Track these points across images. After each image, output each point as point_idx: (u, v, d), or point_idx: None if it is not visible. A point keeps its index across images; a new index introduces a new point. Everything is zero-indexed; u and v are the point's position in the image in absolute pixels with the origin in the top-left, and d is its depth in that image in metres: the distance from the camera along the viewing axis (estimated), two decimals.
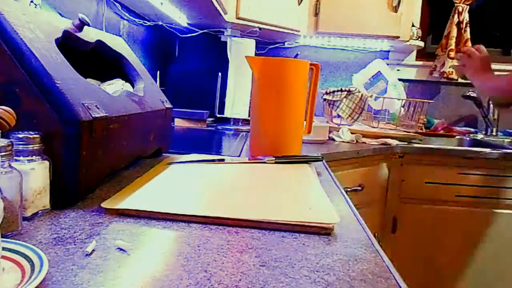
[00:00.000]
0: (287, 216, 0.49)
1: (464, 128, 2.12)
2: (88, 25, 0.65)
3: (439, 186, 1.57)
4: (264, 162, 0.83)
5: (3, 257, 0.33)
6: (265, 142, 0.92)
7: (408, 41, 1.93)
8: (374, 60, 1.88)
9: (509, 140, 1.96)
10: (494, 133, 2.06)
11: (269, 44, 2.25)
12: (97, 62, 0.75)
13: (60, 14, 1.03)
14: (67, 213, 0.48)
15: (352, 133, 1.50)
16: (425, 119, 1.92)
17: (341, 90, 1.64)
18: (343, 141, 1.47)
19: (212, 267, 0.37)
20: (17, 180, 0.40)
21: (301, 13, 1.91)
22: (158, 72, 1.79)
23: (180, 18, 1.69)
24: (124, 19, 1.49)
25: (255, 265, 0.38)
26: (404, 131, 1.66)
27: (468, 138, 1.98)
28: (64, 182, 0.49)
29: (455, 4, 2.08)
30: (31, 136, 0.44)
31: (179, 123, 1.54)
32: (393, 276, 0.38)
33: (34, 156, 0.45)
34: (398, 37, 1.87)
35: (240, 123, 1.71)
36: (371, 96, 1.70)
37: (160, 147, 0.85)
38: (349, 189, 1.33)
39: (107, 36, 0.76)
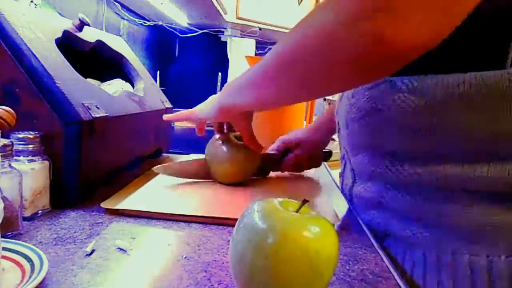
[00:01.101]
0: None
1: None
2: (88, 25, 0.65)
3: None
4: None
5: (3, 257, 0.33)
6: (265, 142, 0.92)
7: None
8: None
9: None
10: None
11: (269, 44, 2.25)
12: (97, 62, 0.75)
13: (60, 14, 1.03)
14: (67, 213, 0.48)
15: None
16: None
17: None
18: None
19: (212, 267, 0.37)
20: (17, 180, 0.40)
21: (301, 13, 1.91)
22: (158, 72, 1.79)
23: (180, 18, 1.69)
24: (124, 19, 1.49)
25: None
26: None
27: None
28: (64, 182, 0.49)
29: None
30: (31, 136, 0.44)
31: (179, 123, 1.54)
32: (393, 276, 0.38)
33: (34, 156, 0.45)
34: None
35: None
36: None
37: (160, 147, 0.85)
38: None
39: (107, 36, 0.76)
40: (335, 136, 1.48)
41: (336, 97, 1.59)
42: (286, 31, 1.90)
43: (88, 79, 0.59)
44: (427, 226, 0.42)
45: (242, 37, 1.86)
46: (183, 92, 1.73)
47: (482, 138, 0.37)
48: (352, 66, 0.33)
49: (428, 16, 0.29)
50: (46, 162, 0.46)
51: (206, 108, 0.57)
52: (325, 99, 1.77)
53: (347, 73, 0.34)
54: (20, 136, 0.44)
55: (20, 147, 0.44)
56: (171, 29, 1.85)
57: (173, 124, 1.50)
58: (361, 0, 0.30)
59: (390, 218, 0.46)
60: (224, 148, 0.62)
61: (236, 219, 0.32)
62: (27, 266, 0.32)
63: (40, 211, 0.46)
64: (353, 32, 0.30)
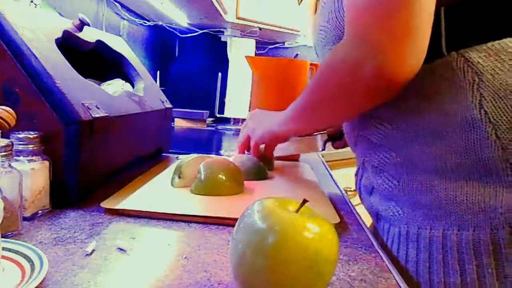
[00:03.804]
0: None
1: None
2: (88, 25, 0.65)
3: None
4: None
5: (3, 257, 0.33)
6: None
7: None
8: None
9: None
10: None
11: (269, 44, 2.25)
12: (97, 62, 0.75)
13: (60, 14, 1.03)
14: (67, 213, 0.48)
15: None
16: None
17: None
18: None
19: (212, 267, 0.37)
20: (17, 180, 0.40)
21: (301, 13, 1.91)
22: (158, 72, 1.79)
23: (180, 18, 1.69)
24: (124, 19, 1.49)
25: None
26: None
27: None
28: (64, 182, 0.49)
29: None
30: (31, 136, 0.44)
31: (179, 123, 1.54)
32: (393, 276, 0.38)
33: (34, 156, 0.45)
34: None
35: (240, 123, 1.71)
36: None
37: (160, 147, 0.85)
38: (349, 189, 1.33)
39: (107, 36, 0.76)
40: None
41: None
42: (286, 31, 1.90)
43: (88, 79, 0.59)
44: (401, 206, 0.47)
45: (242, 37, 1.86)
46: (183, 92, 1.73)
47: (432, 120, 0.43)
48: (366, 97, 0.45)
49: (411, 52, 0.40)
50: (46, 162, 0.46)
51: (258, 132, 0.70)
52: None
53: (364, 102, 0.46)
54: (20, 136, 0.44)
55: (20, 147, 0.44)
56: (171, 29, 1.85)
57: (173, 124, 1.50)
58: (359, 52, 0.42)
59: (378, 201, 0.52)
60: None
61: (236, 219, 0.32)
62: (27, 266, 0.32)
63: (40, 211, 0.46)
64: (363, 77, 0.42)
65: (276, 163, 0.84)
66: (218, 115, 1.74)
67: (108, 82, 0.75)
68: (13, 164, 0.41)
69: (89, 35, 0.68)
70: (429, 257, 0.43)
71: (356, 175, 0.64)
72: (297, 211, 0.31)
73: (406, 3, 0.38)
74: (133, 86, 0.78)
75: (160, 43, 1.91)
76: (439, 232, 0.43)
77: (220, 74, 1.72)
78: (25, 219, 0.44)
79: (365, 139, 0.52)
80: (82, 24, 0.64)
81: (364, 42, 0.41)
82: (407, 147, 0.46)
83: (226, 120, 1.75)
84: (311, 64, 0.97)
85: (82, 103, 0.51)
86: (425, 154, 0.44)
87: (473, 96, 0.40)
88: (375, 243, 0.46)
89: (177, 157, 0.85)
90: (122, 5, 1.45)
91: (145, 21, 1.69)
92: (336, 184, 0.77)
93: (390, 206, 0.49)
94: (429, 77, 0.44)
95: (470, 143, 0.41)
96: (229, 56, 1.77)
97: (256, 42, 1.88)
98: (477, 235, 0.40)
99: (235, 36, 1.82)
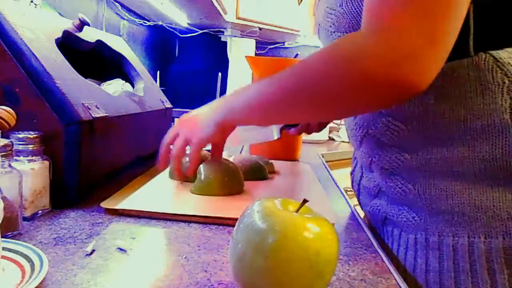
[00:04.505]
0: None
1: None
2: (88, 25, 0.65)
3: None
4: None
5: (3, 257, 0.33)
6: (265, 142, 0.92)
7: None
8: None
9: None
10: None
11: (269, 44, 2.25)
12: (97, 62, 0.75)
13: (60, 14, 1.03)
14: (67, 213, 0.48)
15: None
16: None
17: None
18: (343, 141, 1.47)
19: (212, 267, 0.37)
20: (17, 180, 0.40)
21: (301, 13, 1.91)
22: (158, 72, 1.79)
23: (180, 18, 1.68)
24: (124, 19, 1.49)
25: None
26: None
27: None
28: (64, 182, 0.49)
29: None
30: (31, 136, 0.44)
31: None
32: (393, 276, 0.38)
33: (34, 156, 0.45)
34: None
35: None
36: None
37: None
38: (349, 189, 1.33)
39: (107, 36, 0.76)
40: (335, 136, 1.49)
41: None
42: (286, 31, 1.90)
43: (88, 79, 0.59)
44: (417, 211, 0.44)
45: (242, 37, 1.86)
46: (183, 92, 1.73)
47: (453, 122, 0.40)
48: (372, 102, 0.39)
49: (438, 59, 0.35)
50: (46, 162, 0.46)
51: (203, 129, 0.54)
52: None
53: (363, 106, 0.41)
54: (20, 136, 0.44)
55: (20, 147, 0.44)
56: (171, 29, 1.84)
57: (173, 124, 1.50)
58: (390, 48, 0.35)
59: (388, 205, 0.49)
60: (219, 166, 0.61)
61: (236, 219, 0.32)
62: (27, 266, 0.32)
63: (40, 211, 0.46)
64: (383, 78, 0.35)
65: (276, 163, 0.84)
66: None
67: (108, 82, 0.75)
68: (13, 164, 0.41)
69: (89, 35, 0.68)
70: (454, 267, 0.41)
71: (352, 174, 0.61)
72: (297, 211, 0.31)
73: (449, 5, 0.34)
74: (133, 86, 0.78)
75: (160, 43, 1.91)
76: (464, 240, 0.40)
77: (220, 74, 1.72)
78: (25, 219, 0.44)
79: (374, 138, 0.49)
80: (82, 24, 0.64)
81: (394, 41, 0.35)
82: (423, 150, 0.43)
83: None
84: None
85: (82, 103, 0.51)
86: (445, 158, 0.41)
87: (502, 99, 0.38)
88: (375, 243, 0.46)
89: None
90: (122, 5, 1.45)
91: (145, 21, 1.69)
92: (336, 184, 0.77)
93: (403, 211, 0.46)
94: (451, 77, 0.40)
95: (497, 148, 0.38)
96: (229, 56, 1.77)
97: (256, 42, 1.88)
98: (507, 243, 0.38)
99: (235, 36, 1.82)
